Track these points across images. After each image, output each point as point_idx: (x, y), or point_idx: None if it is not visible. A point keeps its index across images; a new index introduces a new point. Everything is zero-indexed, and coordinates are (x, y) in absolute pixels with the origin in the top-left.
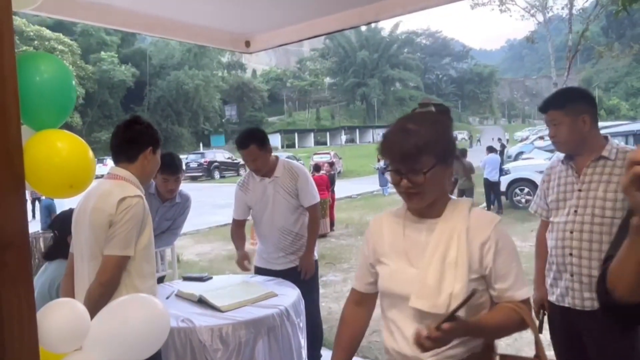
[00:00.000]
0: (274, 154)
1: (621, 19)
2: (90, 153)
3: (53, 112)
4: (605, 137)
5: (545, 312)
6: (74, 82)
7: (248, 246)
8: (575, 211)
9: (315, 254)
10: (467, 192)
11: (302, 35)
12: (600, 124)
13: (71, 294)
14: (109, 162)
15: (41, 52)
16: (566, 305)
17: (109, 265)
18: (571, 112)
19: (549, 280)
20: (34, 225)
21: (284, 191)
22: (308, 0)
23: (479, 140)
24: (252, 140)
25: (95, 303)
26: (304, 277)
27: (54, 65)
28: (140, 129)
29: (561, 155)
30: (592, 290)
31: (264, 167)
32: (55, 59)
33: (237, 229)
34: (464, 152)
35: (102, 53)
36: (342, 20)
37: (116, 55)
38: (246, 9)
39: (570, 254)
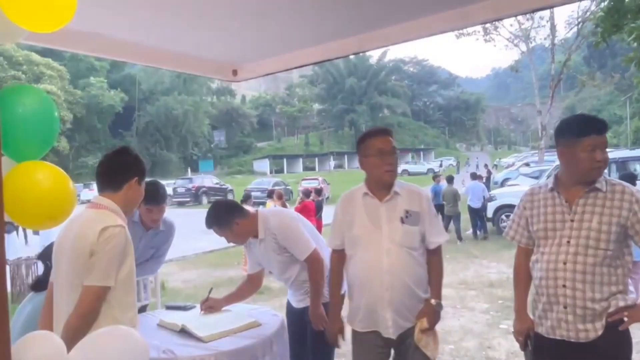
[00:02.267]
0: (257, 207)
1: (602, 49)
2: (71, 184)
3: (35, 144)
4: None
5: (531, 341)
6: (56, 114)
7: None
8: (568, 242)
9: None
10: (454, 217)
11: (288, 64)
12: None
13: (49, 324)
14: (95, 187)
15: (25, 85)
16: (558, 337)
17: (88, 295)
18: None
19: (537, 312)
20: (27, 251)
21: (273, 252)
22: (293, 32)
23: (468, 164)
24: (211, 223)
25: (74, 335)
26: (315, 329)
27: (36, 97)
28: (128, 160)
29: (542, 182)
30: (587, 321)
31: (237, 239)
32: (39, 91)
33: (247, 283)
34: (450, 179)
35: (91, 78)
36: (327, 51)
37: (105, 81)
38: (233, 38)
39: (564, 286)
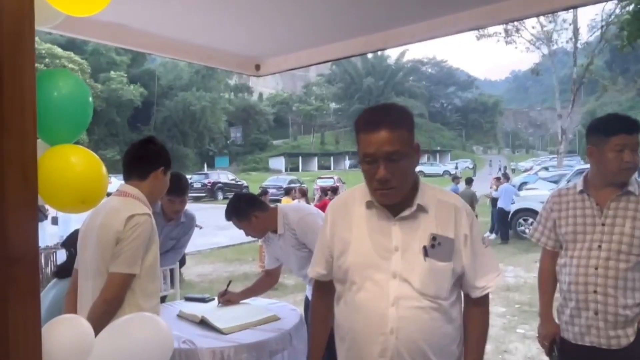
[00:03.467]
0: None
1: (625, 53)
2: (104, 169)
3: (69, 128)
4: None
5: (557, 346)
6: (90, 99)
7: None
8: (600, 246)
9: None
10: None
11: (311, 60)
12: None
13: (74, 310)
14: (114, 180)
15: (60, 69)
16: (587, 344)
17: (114, 282)
18: None
19: (563, 317)
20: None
21: (293, 247)
22: (318, 27)
23: (490, 166)
24: (230, 215)
25: (98, 321)
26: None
27: (72, 81)
28: (155, 149)
29: (571, 183)
30: (618, 328)
31: (256, 232)
32: (74, 76)
33: (265, 278)
34: (469, 181)
35: (112, 72)
36: (350, 47)
37: (125, 75)
38: (257, 32)
39: (595, 291)
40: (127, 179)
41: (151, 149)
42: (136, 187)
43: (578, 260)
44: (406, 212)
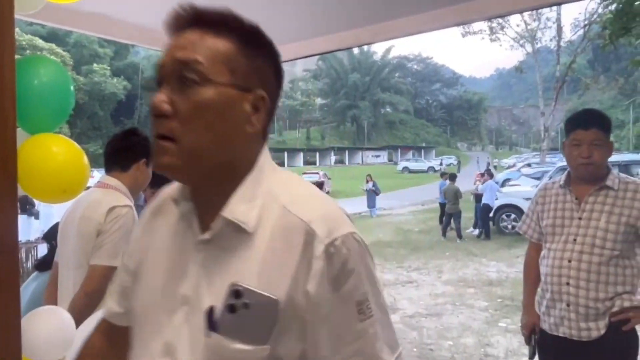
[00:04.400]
0: None
1: (607, 52)
2: (85, 158)
3: (49, 116)
4: (607, 167)
5: (535, 336)
6: (72, 87)
7: None
8: (575, 240)
9: None
10: (454, 215)
11: (298, 53)
12: None
13: (54, 303)
14: (96, 174)
15: (42, 55)
16: (560, 334)
17: (95, 275)
18: (609, 137)
19: (541, 308)
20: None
21: None
22: (306, 20)
23: (478, 163)
24: None
25: (80, 314)
26: None
27: (53, 69)
28: (137, 140)
29: (557, 178)
30: (589, 320)
31: None
32: (55, 63)
33: None
34: (452, 177)
35: (95, 65)
36: (338, 40)
37: (108, 68)
38: None
39: (567, 283)
40: (109, 170)
41: (133, 140)
42: (118, 178)
43: (554, 253)
44: (209, 233)
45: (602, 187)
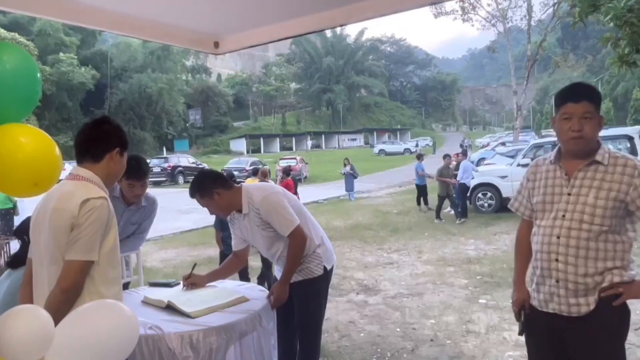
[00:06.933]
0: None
1: (576, 31)
2: (57, 149)
3: (16, 105)
4: (597, 141)
5: (525, 312)
6: (39, 75)
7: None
8: (564, 216)
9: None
10: (449, 196)
11: (273, 36)
12: None
13: (29, 301)
14: (67, 166)
15: (5, 42)
16: (550, 310)
17: (71, 270)
18: (599, 110)
19: (532, 285)
20: None
21: (258, 227)
22: (280, 1)
23: (462, 144)
24: (193, 191)
25: (56, 311)
26: (273, 306)
27: (17, 55)
28: (109, 129)
29: (547, 154)
30: (579, 296)
31: (219, 210)
32: (20, 49)
33: (233, 260)
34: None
35: (61, 54)
36: (313, 22)
37: (75, 57)
38: (216, 8)
39: (557, 260)
40: (80, 161)
41: (105, 128)
42: (90, 169)
43: (544, 229)
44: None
45: (591, 162)
